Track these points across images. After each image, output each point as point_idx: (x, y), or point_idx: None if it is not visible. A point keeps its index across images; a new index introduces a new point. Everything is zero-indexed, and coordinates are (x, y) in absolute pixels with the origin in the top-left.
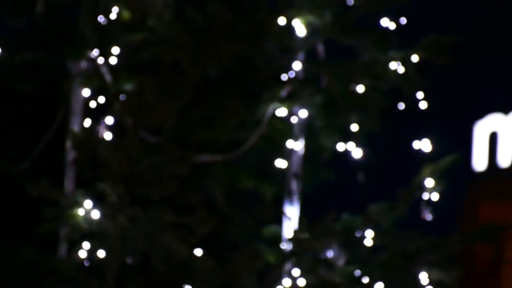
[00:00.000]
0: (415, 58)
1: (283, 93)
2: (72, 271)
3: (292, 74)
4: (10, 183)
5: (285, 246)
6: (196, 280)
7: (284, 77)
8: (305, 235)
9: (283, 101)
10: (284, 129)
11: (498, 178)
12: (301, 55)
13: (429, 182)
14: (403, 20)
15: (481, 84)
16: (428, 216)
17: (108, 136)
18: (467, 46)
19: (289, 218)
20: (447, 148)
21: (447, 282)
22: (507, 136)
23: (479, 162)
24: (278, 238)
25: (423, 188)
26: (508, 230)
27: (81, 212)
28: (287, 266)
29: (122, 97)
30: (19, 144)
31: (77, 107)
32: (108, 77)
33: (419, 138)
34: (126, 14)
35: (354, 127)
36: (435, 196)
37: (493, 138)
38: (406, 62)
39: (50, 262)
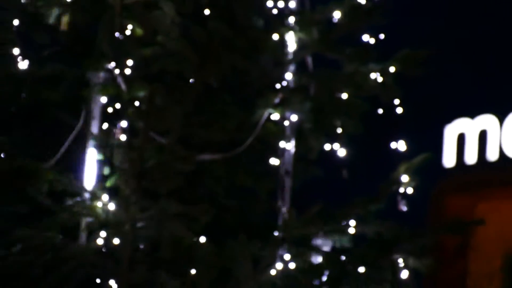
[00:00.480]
0: (391, 69)
1: (276, 100)
2: (91, 255)
3: (284, 83)
4: (39, 178)
5: (278, 234)
6: (199, 263)
7: (277, 86)
8: (295, 224)
9: (276, 107)
10: (277, 131)
11: (464, 174)
12: (292, 67)
13: (404, 178)
14: (381, 36)
15: (451, 92)
16: (403, 207)
17: (122, 137)
18: (438, 60)
19: (281, 210)
20: (420, 148)
21: (421, 268)
22: (472, 137)
23: (448, 160)
24: (271, 227)
25: (399, 183)
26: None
27: (99, 204)
28: (280, 251)
29: (135, 103)
30: (46, 144)
31: (96, 112)
32: (123, 86)
33: (396, 139)
34: (139, 31)
35: (339, 130)
36: (409, 190)
37: (461, 139)
38: (384, 73)
39: (72, 248)
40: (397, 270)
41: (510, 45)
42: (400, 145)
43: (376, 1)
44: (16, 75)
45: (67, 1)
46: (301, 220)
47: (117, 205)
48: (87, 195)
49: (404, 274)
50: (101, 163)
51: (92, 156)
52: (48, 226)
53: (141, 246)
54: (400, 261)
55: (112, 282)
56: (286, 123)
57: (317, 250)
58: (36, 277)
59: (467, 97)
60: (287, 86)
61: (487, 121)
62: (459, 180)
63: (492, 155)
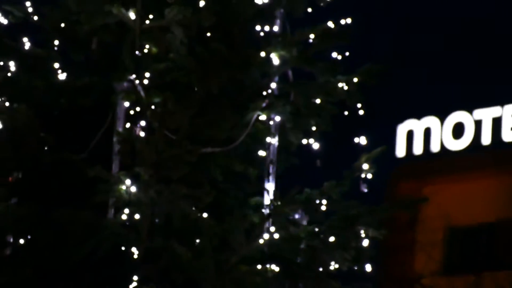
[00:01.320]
0: (355, 80)
1: (263, 104)
2: (117, 228)
3: (269, 91)
4: (75, 167)
5: (265, 211)
6: (203, 235)
7: (264, 93)
8: (279, 203)
9: (263, 110)
10: (264, 129)
11: (413, 163)
12: (276, 78)
13: (365, 166)
14: (347, 53)
15: (402, 98)
16: (364, 189)
17: (142, 134)
18: (392, 72)
19: (268, 191)
20: (377, 142)
21: (379, 237)
22: (419, 134)
23: (400, 151)
24: (260, 205)
25: (361, 170)
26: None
27: (123, 187)
28: (266, 224)
29: (152, 107)
30: (81, 140)
31: (120, 114)
32: (142, 93)
33: (358, 135)
34: (154, 50)
35: (313, 128)
36: (369, 176)
37: (410, 135)
38: (349, 82)
39: (102, 222)
40: (359, 239)
41: (450, 59)
42: (362, 140)
43: (343, 25)
44: (56, 85)
45: (97, 25)
46: (284, 199)
47: (137, 188)
48: (112, 180)
49: (365, 242)
50: (125, 155)
51: (117, 149)
52: (84, 205)
53: (157, 221)
54: (362, 231)
55: (134, 249)
56: (271, 122)
57: (296, 224)
58: (76, 246)
59: (414, 102)
60: (272, 93)
61: (430, 121)
62: (408, 167)
63: (434, 147)
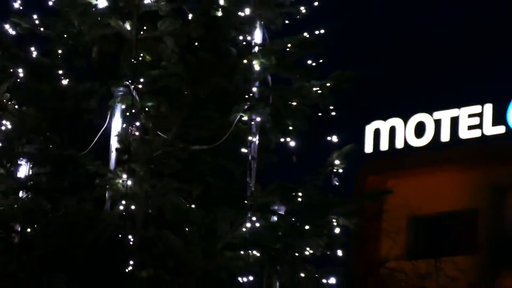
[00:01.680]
0: (328, 85)
1: (246, 106)
2: (115, 219)
3: (251, 95)
4: (76, 163)
5: (247, 202)
6: (192, 224)
7: (246, 96)
8: (260, 195)
9: (245, 112)
10: (246, 129)
11: (379, 158)
12: (256, 83)
13: (337, 161)
14: (320, 61)
15: (370, 102)
16: (336, 182)
17: (137, 134)
18: (361, 78)
19: (250, 185)
20: (348, 140)
21: (349, 225)
22: (384, 132)
23: (368, 148)
24: (243, 197)
25: (333, 165)
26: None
27: (120, 181)
28: (248, 215)
29: (146, 109)
30: (83, 139)
31: (118, 116)
32: (137, 97)
33: (331, 134)
34: (148, 58)
35: (290, 128)
36: (340, 170)
37: (376, 133)
38: (322, 87)
39: (100, 213)
40: (332, 227)
41: (413, 66)
42: (334, 138)
43: (317, 35)
44: (61, 90)
45: (97, 36)
46: (264, 192)
47: (133, 182)
48: (111, 175)
49: (337, 230)
50: (122, 152)
51: (115, 147)
52: (84, 197)
53: (150, 211)
54: (334, 220)
55: (130, 237)
56: (253, 123)
57: (275, 213)
58: (77, 235)
59: (381, 105)
60: (253, 96)
61: (395, 121)
62: (375, 163)
63: (399, 144)
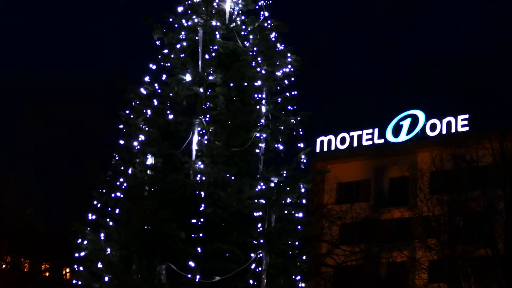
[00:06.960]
0: (299, 119)
1: (258, 129)
2: (194, 183)
3: (260, 123)
4: (176, 156)
5: (259, 176)
6: (231, 186)
7: (258, 124)
8: (264, 172)
9: (257, 131)
10: (258, 140)
11: (323, 154)
12: (263, 118)
13: (303, 156)
14: (295, 106)
15: (320, 121)
16: (302, 166)
17: (205, 142)
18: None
19: (260, 166)
20: (308, 145)
21: (308, 187)
22: (325, 142)
23: (318, 149)
24: (256, 173)
25: (301, 158)
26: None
27: (196, 165)
28: (259, 182)
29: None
30: (180, 144)
31: (196, 133)
32: (204, 124)
33: (300, 143)
34: (211, 105)
35: (280, 140)
36: (304, 160)
37: (322, 142)
38: (296, 120)
39: (187, 180)
40: (299, 188)
41: (357, 90)
42: (301, 145)
43: (292, 95)
44: (169, 121)
45: (186, 94)
46: (267, 170)
47: (204, 165)
48: (192, 162)
49: (303, 190)
50: (198, 151)
51: (195, 148)
52: (180, 173)
53: (211, 181)
54: (301, 185)
55: (202, 193)
56: (262, 137)
57: (273, 182)
58: (177, 190)
59: (323, 128)
60: (261, 124)
61: (331, 136)
62: (321, 156)
63: (332, 147)
